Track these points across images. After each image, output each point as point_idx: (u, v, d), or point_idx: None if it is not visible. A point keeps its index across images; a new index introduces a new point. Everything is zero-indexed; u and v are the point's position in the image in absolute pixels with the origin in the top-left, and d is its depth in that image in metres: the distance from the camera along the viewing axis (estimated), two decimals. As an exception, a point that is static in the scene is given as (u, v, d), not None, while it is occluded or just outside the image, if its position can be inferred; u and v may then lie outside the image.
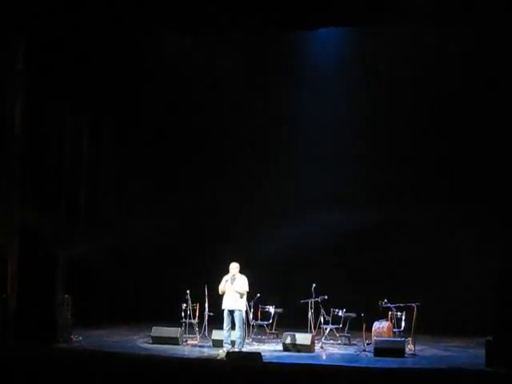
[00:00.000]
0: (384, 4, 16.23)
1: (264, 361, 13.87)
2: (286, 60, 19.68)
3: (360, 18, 17.04)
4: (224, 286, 15.35)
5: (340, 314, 16.60)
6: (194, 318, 16.95)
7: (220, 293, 15.44)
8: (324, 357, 15.34)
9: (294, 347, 15.57)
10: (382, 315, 16.14)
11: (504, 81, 17.97)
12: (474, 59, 18.12)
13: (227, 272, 15.45)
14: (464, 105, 18.54)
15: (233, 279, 15.38)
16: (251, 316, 16.62)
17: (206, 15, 16.72)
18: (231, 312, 15.31)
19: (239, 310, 15.31)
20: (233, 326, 15.35)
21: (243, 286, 15.38)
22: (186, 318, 16.84)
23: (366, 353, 15.34)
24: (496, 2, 16.10)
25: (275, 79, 19.68)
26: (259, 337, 17.05)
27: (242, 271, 15.53)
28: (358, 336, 16.13)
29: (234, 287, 15.33)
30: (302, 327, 16.34)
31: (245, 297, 15.49)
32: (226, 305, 15.35)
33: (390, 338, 15.69)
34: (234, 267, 15.41)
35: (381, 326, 15.96)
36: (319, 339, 16.31)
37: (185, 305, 16.78)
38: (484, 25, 17.04)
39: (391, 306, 15.87)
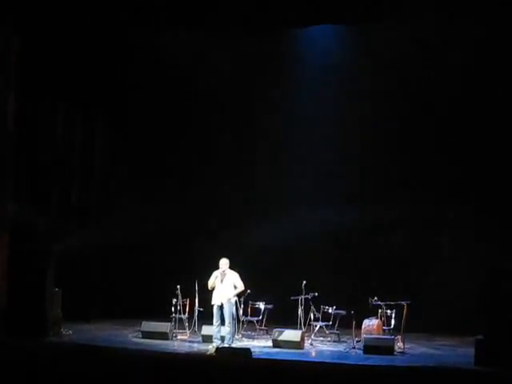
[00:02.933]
0: (382, 2, 16.23)
1: (253, 357, 13.88)
2: (283, 59, 19.64)
3: (357, 16, 17.04)
4: (214, 281, 15.38)
5: (330, 311, 16.66)
6: (184, 314, 16.98)
7: (209, 288, 15.47)
8: (313, 354, 15.39)
9: (284, 344, 15.60)
10: (372, 313, 16.19)
11: (505, 81, 17.94)
12: (474, 60, 18.09)
13: (217, 268, 15.49)
14: (460, 105, 18.48)
15: (223, 275, 15.41)
16: (241, 312, 16.67)
17: (200, 14, 16.70)
18: (221, 307, 15.34)
19: (229, 306, 15.34)
20: (222, 322, 15.37)
21: (240, 281, 15.44)
22: (176, 313, 16.88)
23: (356, 350, 15.41)
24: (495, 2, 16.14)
25: (271, 78, 19.63)
26: (249, 333, 17.11)
27: (232, 267, 15.57)
28: (348, 333, 16.20)
29: (230, 283, 15.36)
30: (292, 324, 16.39)
31: (238, 290, 15.49)
32: (216, 300, 15.38)
33: (380, 336, 15.73)
34: (224, 263, 15.43)
35: (371, 324, 16.01)
36: (309, 336, 16.36)
37: (175, 300, 16.81)
38: (484, 24, 17.05)
39: (381, 303, 15.93)
